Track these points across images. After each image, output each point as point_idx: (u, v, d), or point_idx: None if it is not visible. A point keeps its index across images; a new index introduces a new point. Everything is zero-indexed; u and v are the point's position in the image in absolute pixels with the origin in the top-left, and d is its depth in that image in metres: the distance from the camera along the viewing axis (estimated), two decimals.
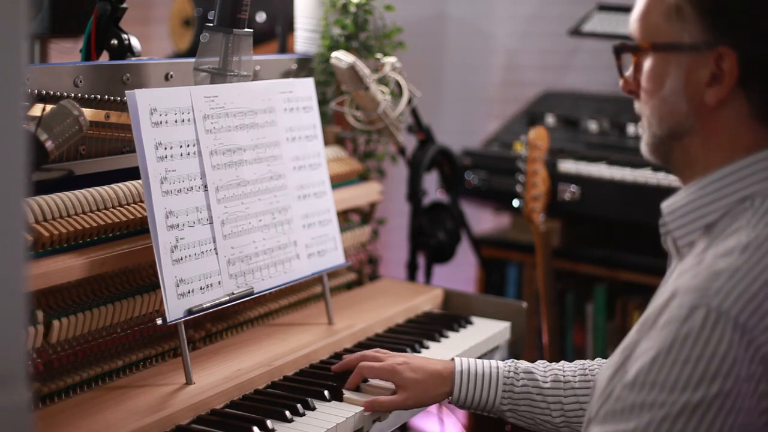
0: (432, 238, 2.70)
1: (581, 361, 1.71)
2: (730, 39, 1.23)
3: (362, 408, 1.70)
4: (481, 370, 1.70)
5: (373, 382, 1.79)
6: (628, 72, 1.36)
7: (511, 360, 1.73)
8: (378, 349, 1.83)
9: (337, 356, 1.95)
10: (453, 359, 1.74)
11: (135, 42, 1.99)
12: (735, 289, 1.15)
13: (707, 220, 1.26)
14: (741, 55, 1.23)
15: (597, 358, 1.72)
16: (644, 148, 1.37)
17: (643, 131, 1.37)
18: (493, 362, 1.72)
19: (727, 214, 1.24)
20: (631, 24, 1.34)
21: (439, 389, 1.71)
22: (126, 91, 1.68)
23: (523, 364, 1.71)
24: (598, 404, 1.24)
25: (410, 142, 2.68)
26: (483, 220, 3.68)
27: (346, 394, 1.75)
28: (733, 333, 1.13)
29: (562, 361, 1.72)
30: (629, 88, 1.36)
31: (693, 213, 1.27)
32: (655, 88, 1.31)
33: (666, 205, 1.31)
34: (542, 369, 1.69)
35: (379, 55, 2.46)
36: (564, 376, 1.67)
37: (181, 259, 1.70)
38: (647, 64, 1.32)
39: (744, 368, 1.13)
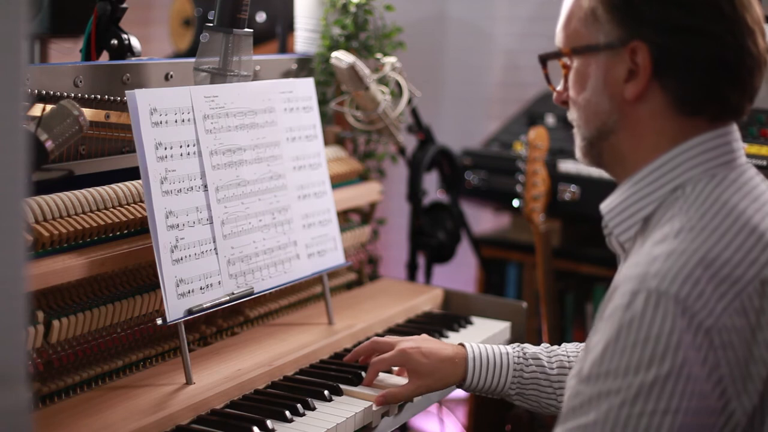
0: (432, 238, 2.70)
1: (582, 345, 1.73)
2: (640, 33, 1.29)
3: (363, 408, 1.70)
4: (492, 356, 1.73)
5: (383, 377, 1.81)
6: (560, 85, 1.42)
7: (517, 345, 1.75)
8: (388, 336, 1.85)
9: (338, 356, 1.95)
10: (462, 345, 1.75)
11: (135, 42, 1.99)
12: (672, 269, 1.18)
13: (644, 213, 1.31)
14: (652, 47, 1.28)
15: None
16: (578, 153, 1.43)
17: (575, 137, 1.42)
18: (502, 348, 1.74)
19: (662, 205, 1.29)
20: (557, 35, 1.41)
21: (450, 375, 1.73)
22: (126, 91, 1.68)
23: (530, 349, 1.74)
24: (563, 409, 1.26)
25: (410, 142, 2.68)
26: (483, 220, 3.68)
27: (356, 388, 1.77)
28: (675, 310, 1.16)
29: (564, 344, 1.75)
30: (561, 98, 1.42)
31: (630, 208, 1.32)
32: (579, 91, 1.37)
33: (604, 206, 1.37)
34: (547, 354, 1.73)
35: (379, 55, 2.46)
36: (569, 362, 1.71)
37: (181, 259, 1.70)
38: (572, 71, 1.38)
39: (690, 344, 1.15)
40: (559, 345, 1.76)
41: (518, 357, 1.72)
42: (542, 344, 1.76)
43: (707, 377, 1.16)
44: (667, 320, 1.16)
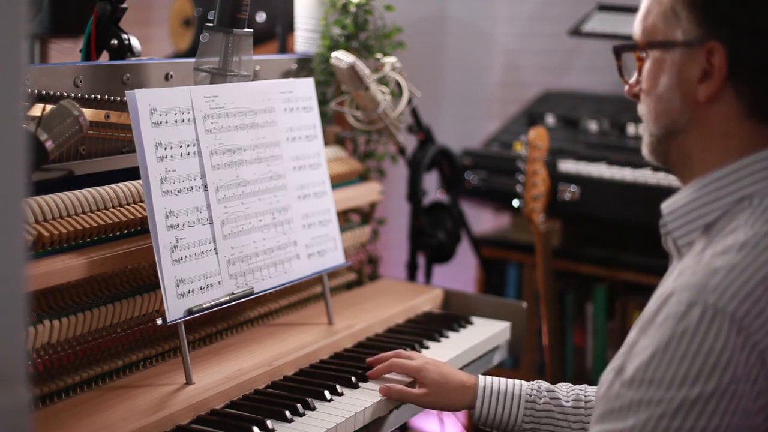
0: (432, 238, 2.70)
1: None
2: (719, 34, 1.26)
3: (363, 408, 1.71)
4: (504, 387, 1.71)
5: (391, 375, 1.83)
6: (633, 77, 1.39)
7: (535, 381, 1.73)
8: (412, 352, 1.88)
9: (338, 356, 1.95)
10: (477, 376, 1.75)
11: (135, 42, 1.99)
12: (732, 286, 1.16)
13: (706, 220, 1.27)
14: (729, 50, 1.25)
15: None
16: (644, 150, 1.40)
17: (643, 133, 1.39)
18: (517, 381, 1.73)
19: (726, 213, 1.26)
20: (634, 27, 1.38)
21: (458, 398, 1.74)
22: (126, 91, 1.68)
23: (546, 384, 1.72)
24: (599, 406, 1.25)
25: (410, 142, 2.68)
26: (483, 220, 3.68)
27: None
28: (730, 329, 1.14)
29: (584, 385, 1.72)
30: (633, 91, 1.40)
31: (692, 213, 1.29)
32: (651, 86, 1.34)
33: (666, 206, 1.32)
34: (564, 390, 1.70)
35: (379, 55, 2.46)
36: (586, 396, 1.68)
37: (181, 259, 1.70)
38: (646, 64, 1.35)
39: (741, 365, 1.13)
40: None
41: (532, 389, 1.70)
42: (561, 383, 1.73)
43: (755, 399, 1.14)
44: (720, 337, 1.13)
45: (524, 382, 1.72)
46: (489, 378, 1.73)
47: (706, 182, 1.28)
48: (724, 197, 1.26)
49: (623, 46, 1.40)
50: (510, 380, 1.73)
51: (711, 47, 1.26)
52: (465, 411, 1.81)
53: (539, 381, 1.73)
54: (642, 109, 1.37)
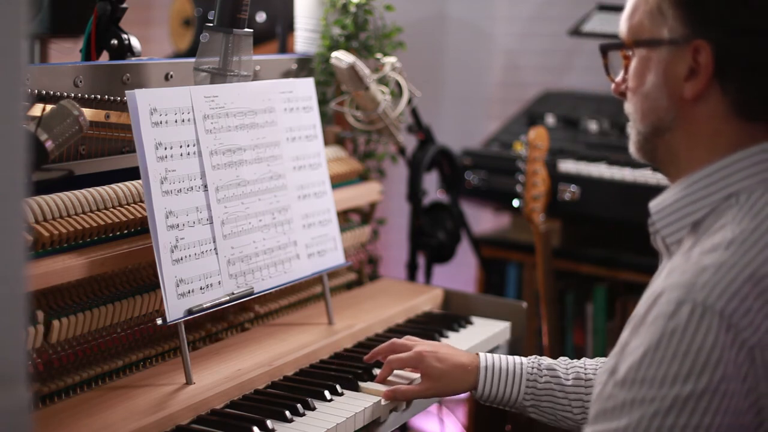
0: (432, 238, 2.70)
1: (601, 359, 1.72)
2: (705, 32, 1.26)
3: (363, 408, 1.71)
4: (506, 366, 1.72)
5: (392, 378, 1.82)
6: (620, 76, 1.40)
7: (534, 357, 1.75)
8: (408, 336, 1.87)
9: (338, 356, 1.95)
10: (477, 354, 1.76)
11: (135, 42, 1.99)
12: (720, 283, 1.16)
13: (694, 218, 1.28)
14: (716, 48, 1.26)
15: None
16: (631, 148, 1.40)
17: (630, 131, 1.40)
18: (517, 358, 1.74)
19: (714, 211, 1.26)
20: (621, 26, 1.38)
21: (462, 382, 1.74)
22: (126, 91, 1.68)
23: (546, 360, 1.73)
24: (593, 407, 1.25)
25: (410, 142, 2.68)
26: (483, 220, 3.68)
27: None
28: (719, 326, 1.14)
29: (584, 358, 1.74)
30: (619, 89, 1.40)
31: (680, 211, 1.29)
32: (638, 84, 1.35)
33: (653, 205, 1.33)
34: (564, 366, 1.71)
35: (379, 55, 2.46)
36: (585, 374, 1.69)
37: (181, 259, 1.70)
38: (633, 63, 1.35)
39: (731, 362, 1.14)
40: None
41: (532, 367, 1.71)
42: (560, 357, 1.75)
43: (745, 395, 1.15)
44: (710, 335, 1.14)
45: (524, 359, 1.73)
46: (490, 357, 1.74)
47: (694, 180, 1.29)
48: (712, 195, 1.27)
49: (610, 45, 1.41)
50: (510, 358, 1.74)
51: (697, 45, 1.26)
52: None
53: (538, 357, 1.74)
54: (629, 107, 1.38)
